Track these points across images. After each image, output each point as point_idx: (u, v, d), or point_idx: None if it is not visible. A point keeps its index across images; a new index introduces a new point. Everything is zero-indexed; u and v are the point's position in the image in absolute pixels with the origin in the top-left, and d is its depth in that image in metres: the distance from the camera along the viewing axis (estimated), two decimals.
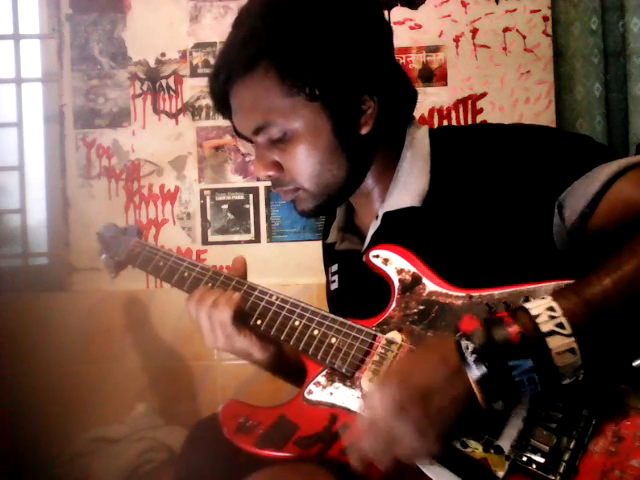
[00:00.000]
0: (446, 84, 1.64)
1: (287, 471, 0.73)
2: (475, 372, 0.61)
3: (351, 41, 0.80)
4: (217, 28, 1.64)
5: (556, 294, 0.63)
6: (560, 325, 0.60)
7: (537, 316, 0.61)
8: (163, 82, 1.65)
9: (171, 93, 1.66)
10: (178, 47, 1.65)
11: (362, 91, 0.81)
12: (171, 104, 1.66)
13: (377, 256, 0.84)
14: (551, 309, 0.61)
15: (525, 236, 0.76)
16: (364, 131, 0.83)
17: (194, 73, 1.65)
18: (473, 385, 0.62)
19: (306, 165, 0.82)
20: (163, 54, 1.65)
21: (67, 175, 1.64)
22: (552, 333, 0.60)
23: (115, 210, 1.64)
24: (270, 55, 0.78)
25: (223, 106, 0.86)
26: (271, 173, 0.85)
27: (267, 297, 0.89)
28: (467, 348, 0.62)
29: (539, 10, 1.62)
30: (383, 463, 0.65)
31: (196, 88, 1.65)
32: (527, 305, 0.63)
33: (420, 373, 0.65)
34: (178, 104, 1.66)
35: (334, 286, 1.01)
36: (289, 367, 0.94)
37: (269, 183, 0.90)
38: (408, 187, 0.85)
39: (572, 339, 0.59)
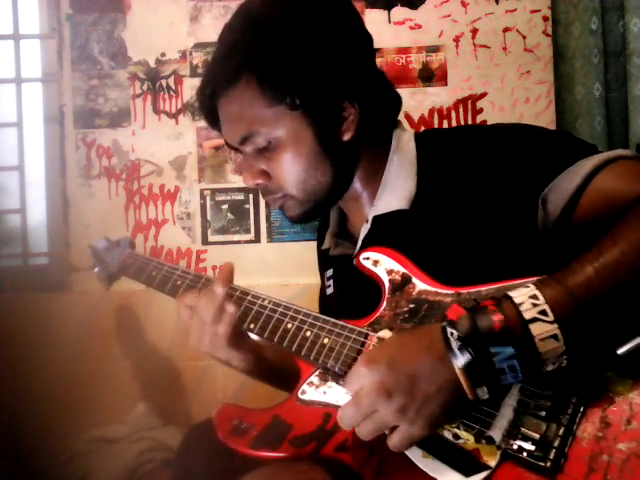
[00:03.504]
0: (446, 84, 1.64)
1: (281, 470, 0.74)
2: (460, 359, 0.63)
3: (329, 50, 0.82)
4: (217, 28, 1.58)
5: (539, 282, 0.65)
6: (543, 312, 0.62)
7: (520, 304, 0.63)
8: (163, 82, 1.65)
9: (171, 93, 1.65)
10: (178, 47, 1.65)
11: (342, 98, 0.84)
12: (171, 104, 1.66)
13: (367, 258, 0.85)
14: (534, 297, 0.63)
15: (511, 233, 0.78)
16: (346, 137, 0.86)
17: (194, 73, 1.65)
18: (458, 372, 0.63)
19: (291, 172, 0.85)
20: (163, 54, 1.65)
21: (67, 175, 1.64)
22: (535, 320, 0.62)
23: (115, 210, 1.64)
24: (250, 68, 0.81)
25: (212, 119, 0.91)
26: (259, 181, 0.88)
27: (259, 301, 0.90)
28: (452, 335, 0.64)
29: (539, 10, 1.62)
30: (365, 436, 0.67)
31: (196, 88, 1.64)
32: (511, 293, 0.65)
33: (407, 359, 0.66)
34: (178, 104, 1.65)
35: (329, 291, 1.02)
36: (269, 375, 0.97)
37: None
38: (396, 190, 0.88)
39: (555, 326, 0.61)
